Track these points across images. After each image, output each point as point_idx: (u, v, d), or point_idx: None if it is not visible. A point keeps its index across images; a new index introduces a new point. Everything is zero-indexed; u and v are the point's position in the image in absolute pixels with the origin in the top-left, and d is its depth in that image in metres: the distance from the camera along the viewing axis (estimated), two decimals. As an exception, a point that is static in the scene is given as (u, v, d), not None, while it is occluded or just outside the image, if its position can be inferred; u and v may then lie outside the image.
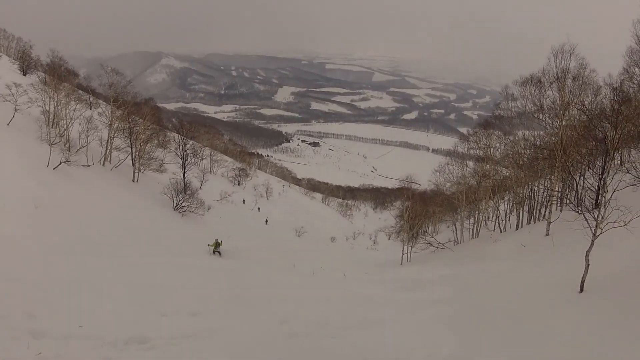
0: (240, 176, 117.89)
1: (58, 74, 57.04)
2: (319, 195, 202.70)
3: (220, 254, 44.38)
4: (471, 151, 62.74)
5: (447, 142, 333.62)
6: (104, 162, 56.40)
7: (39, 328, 13.92)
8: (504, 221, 52.27)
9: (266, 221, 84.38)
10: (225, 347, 15.39)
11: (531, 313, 19.12)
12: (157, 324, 17.27)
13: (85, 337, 14.01)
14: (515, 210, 51.05)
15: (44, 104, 51.83)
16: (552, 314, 18.01)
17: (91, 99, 77.07)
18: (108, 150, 57.99)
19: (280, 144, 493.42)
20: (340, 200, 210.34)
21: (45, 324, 14.37)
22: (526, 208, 49.03)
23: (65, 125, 53.32)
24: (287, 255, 56.95)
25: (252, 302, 23.47)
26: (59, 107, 54.02)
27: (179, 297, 21.81)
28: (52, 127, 51.11)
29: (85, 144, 51.60)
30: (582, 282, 18.72)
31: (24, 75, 79.71)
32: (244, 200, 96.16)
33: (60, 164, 41.97)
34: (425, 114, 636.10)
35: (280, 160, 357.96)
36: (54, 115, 53.27)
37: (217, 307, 20.86)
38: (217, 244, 44.69)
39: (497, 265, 32.38)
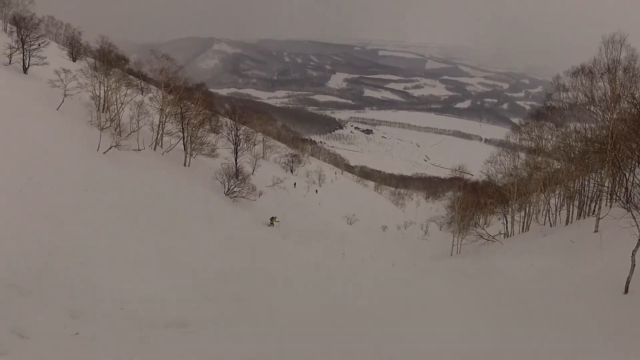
0: (292, 162, 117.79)
1: (108, 60, 57.40)
2: (371, 183, 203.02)
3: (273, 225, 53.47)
4: (523, 142, 62.09)
5: (499, 132, 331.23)
6: (155, 146, 56.69)
7: (78, 307, 14.19)
8: (554, 215, 51.15)
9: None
10: (266, 334, 15.49)
11: (574, 312, 19.08)
12: (200, 308, 17.80)
13: (124, 318, 14.33)
14: (565, 204, 49.57)
15: (94, 89, 51.94)
16: (594, 314, 18.04)
17: (142, 84, 77.49)
18: (159, 135, 58.36)
19: (333, 131, 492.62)
20: (393, 188, 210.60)
21: (85, 303, 14.70)
22: (576, 203, 47.56)
23: (115, 110, 53.79)
24: (337, 242, 56.60)
25: (298, 289, 23.27)
26: (109, 92, 54.27)
27: (225, 281, 21.74)
28: (102, 112, 51.41)
29: (136, 128, 52.11)
30: (627, 283, 18.52)
31: (73, 61, 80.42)
32: (295, 184, 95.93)
33: (110, 147, 42.52)
34: (478, 103, 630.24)
35: (333, 147, 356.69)
36: (104, 100, 53.57)
37: (262, 292, 20.74)
38: (273, 218, 54.19)
39: (546, 260, 31.72)
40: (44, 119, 41.52)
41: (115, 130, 49.81)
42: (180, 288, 20.19)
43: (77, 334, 12.09)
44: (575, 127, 51.01)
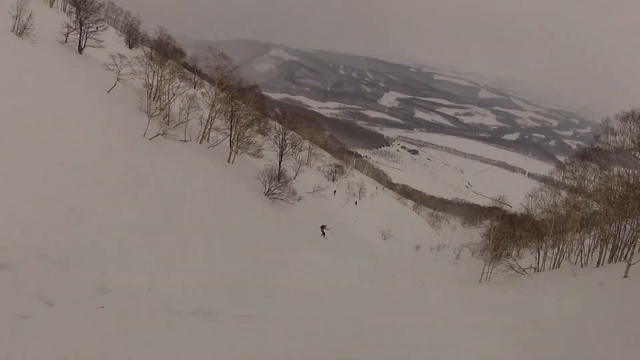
0: (335, 172, 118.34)
1: (164, 51, 58.63)
2: (410, 202, 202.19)
3: (324, 235, 54.47)
4: (566, 180, 61.46)
5: (543, 167, 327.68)
6: (201, 140, 57.25)
7: (107, 284, 14.40)
8: (586, 256, 50.68)
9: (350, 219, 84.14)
10: (291, 332, 15.55)
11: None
12: (227, 301, 17.65)
13: (151, 300, 14.42)
14: (599, 246, 49.37)
15: (147, 77, 52.57)
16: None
17: (196, 78, 78.51)
18: (207, 129, 58.90)
19: (380, 147, 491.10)
20: (431, 210, 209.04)
21: (115, 282, 14.84)
22: (610, 246, 47.28)
23: (166, 100, 54.18)
24: (369, 255, 56.82)
25: (325, 294, 23.19)
26: (162, 82, 54.76)
27: (253, 278, 21.67)
28: (153, 100, 52.10)
29: (185, 120, 52.55)
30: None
31: (130, 48, 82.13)
32: (335, 191, 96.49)
33: (157, 135, 42.95)
34: (526, 136, 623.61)
35: (377, 162, 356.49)
36: (156, 89, 54.17)
37: (290, 293, 20.65)
38: (324, 227, 55.46)
39: (573, 300, 31.18)
40: (94, 99, 42.33)
41: (164, 119, 50.30)
42: (210, 279, 20.32)
43: (103, 307, 12.45)
44: (618, 172, 50.74)
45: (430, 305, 28.35)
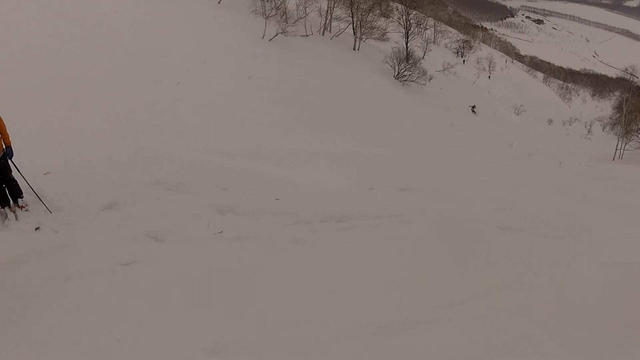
0: (464, 48, 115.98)
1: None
2: (540, 75, 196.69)
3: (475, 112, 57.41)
4: None
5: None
6: (323, 31, 56.12)
7: (227, 202, 12.41)
8: None
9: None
10: (430, 231, 12.77)
11: None
12: (362, 199, 14.87)
13: (278, 212, 12.13)
14: None
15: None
16: None
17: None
18: (328, 20, 57.35)
19: (504, 19, 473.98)
20: (561, 82, 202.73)
21: (237, 197, 12.87)
22: None
23: (281, -1, 52.61)
24: (504, 132, 55.57)
25: (464, 182, 20.81)
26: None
27: (392, 170, 19.82)
28: (267, 1, 49.96)
29: (304, 14, 51.49)
30: None
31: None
32: (463, 61, 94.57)
33: (276, 34, 42.77)
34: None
35: (503, 35, 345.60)
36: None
37: (428, 184, 18.45)
38: (474, 107, 58.75)
39: None
40: (206, 11, 41.87)
41: (281, 17, 48.74)
42: (345, 175, 17.15)
43: (221, 232, 10.56)
44: None
45: (570, 187, 25.42)
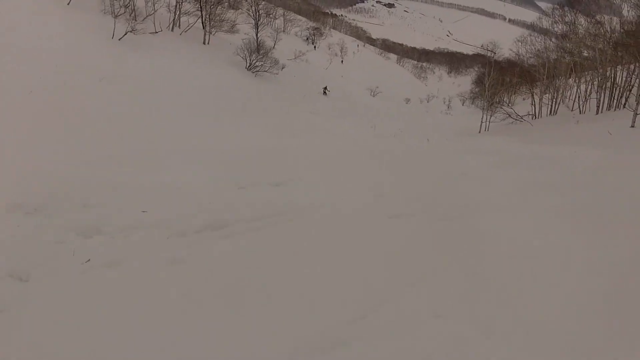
0: (314, 35, 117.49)
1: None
2: (393, 56, 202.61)
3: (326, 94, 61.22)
4: (554, 26, 61.42)
5: (524, 14, 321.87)
6: (172, 27, 55.36)
7: (92, 221, 10.27)
8: (583, 102, 50.60)
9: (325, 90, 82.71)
10: (321, 227, 11.66)
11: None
12: (235, 200, 12.83)
13: (148, 226, 10.53)
14: (596, 92, 48.80)
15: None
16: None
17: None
18: (177, 16, 56.76)
19: (355, 4, 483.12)
20: (415, 62, 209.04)
21: (101, 214, 10.68)
22: (606, 93, 47.06)
23: (129, -5, 52.26)
24: (363, 115, 57.11)
25: (344, 168, 19.40)
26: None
27: (259, 164, 18.16)
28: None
29: (152, 11, 51.07)
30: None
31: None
32: (314, 47, 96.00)
33: (125, 33, 41.73)
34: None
35: (354, 20, 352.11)
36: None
37: (304, 175, 16.94)
38: (325, 88, 63.10)
39: (588, 151, 26.13)
40: (52, 13, 39.95)
41: (130, 15, 48.18)
42: (211, 176, 15.77)
43: (89, 260, 8.45)
44: (611, 18, 50.35)
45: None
